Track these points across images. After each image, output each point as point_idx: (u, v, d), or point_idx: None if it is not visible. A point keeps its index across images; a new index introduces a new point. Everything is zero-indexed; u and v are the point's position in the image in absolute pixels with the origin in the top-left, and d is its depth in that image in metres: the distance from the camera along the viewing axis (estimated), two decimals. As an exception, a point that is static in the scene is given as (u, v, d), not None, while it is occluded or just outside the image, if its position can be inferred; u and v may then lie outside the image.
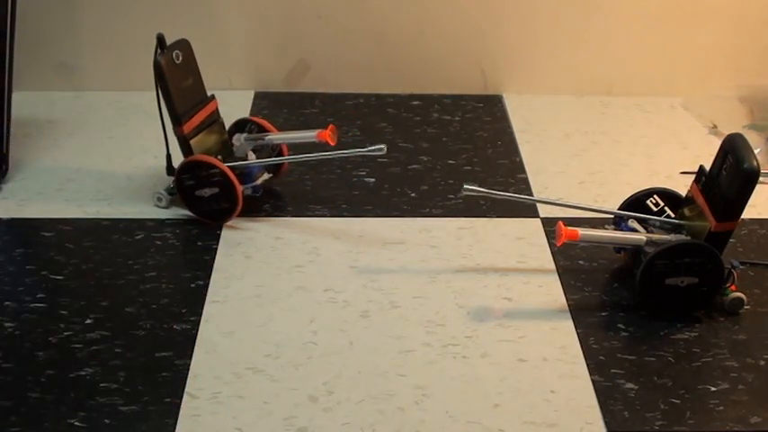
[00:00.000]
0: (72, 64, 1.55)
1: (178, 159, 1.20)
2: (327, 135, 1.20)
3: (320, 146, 1.23)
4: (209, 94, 1.23)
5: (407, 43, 1.56)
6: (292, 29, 1.55)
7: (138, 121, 1.47)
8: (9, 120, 1.29)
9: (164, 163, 1.22)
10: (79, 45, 1.53)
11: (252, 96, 1.57)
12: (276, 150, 1.26)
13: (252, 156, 1.22)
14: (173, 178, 1.20)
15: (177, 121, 1.17)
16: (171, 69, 1.15)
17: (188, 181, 1.18)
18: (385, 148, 1.14)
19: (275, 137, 1.25)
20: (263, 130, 1.27)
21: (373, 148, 1.14)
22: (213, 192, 1.17)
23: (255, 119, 1.27)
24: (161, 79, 1.15)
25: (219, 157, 1.21)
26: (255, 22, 1.54)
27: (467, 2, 1.53)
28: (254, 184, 1.21)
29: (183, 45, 1.19)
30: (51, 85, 1.56)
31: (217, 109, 1.24)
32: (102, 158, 1.36)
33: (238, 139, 1.25)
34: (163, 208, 1.23)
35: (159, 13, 1.49)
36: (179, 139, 1.18)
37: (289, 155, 1.27)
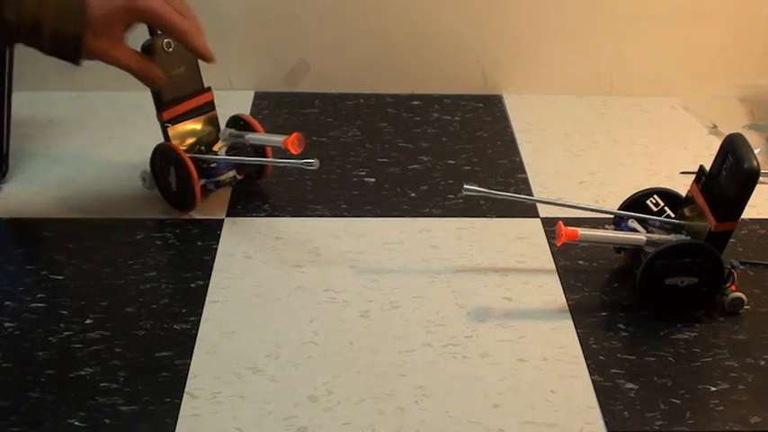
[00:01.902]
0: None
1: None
2: (290, 142, 1.20)
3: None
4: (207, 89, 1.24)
5: (407, 43, 1.56)
6: (292, 29, 1.55)
7: (138, 121, 1.47)
8: (9, 120, 1.29)
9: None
10: (79, 45, 1.53)
11: (252, 96, 1.58)
12: (259, 151, 1.26)
13: (222, 152, 1.24)
14: None
15: (158, 107, 1.19)
16: (159, 56, 1.17)
17: (157, 165, 1.22)
18: (317, 164, 1.14)
19: (250, 137, 1.25)
20: (250, 127, 1.27)
21: (305, 161, 1.14)
22: (175, 178, 1.20)
23: (245, 116, 1.28)
24: None
25: (203, 147, 1.23)
26: (255, 22, 1.54)
27: (467, 2, 1.53)
28: (216, 179, 1.22)
29: None
30: (51, 85, 1.56)
31: (211, 101, 1.25)
32: (102, 158, 1.36)
33: (224, 134, 1.26)
34: (147, 188, 1.25)
35: (159, 13, 1.49)
36: (160, 124, 1.21)
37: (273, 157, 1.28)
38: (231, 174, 1.24)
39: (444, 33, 1.56)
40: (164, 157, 1.21)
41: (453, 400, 0.92)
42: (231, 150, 1.25)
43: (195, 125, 1.23)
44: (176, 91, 1.20)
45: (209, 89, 1.24)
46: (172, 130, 1.21)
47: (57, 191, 1.27)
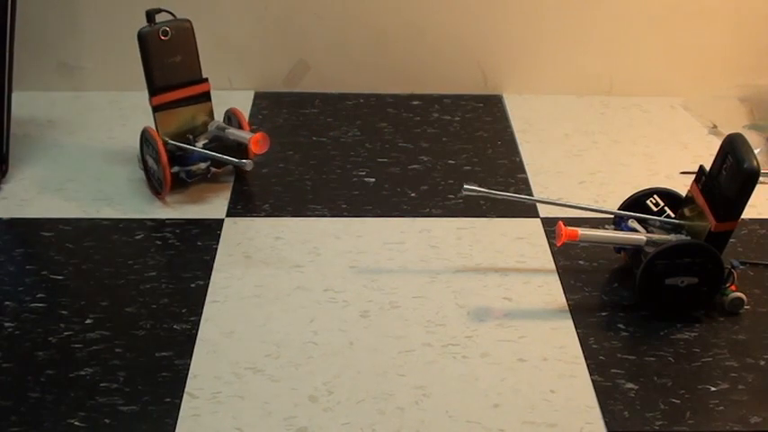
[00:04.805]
0: (72, 64, 1.55)
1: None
2: (253, 141, 1.20)
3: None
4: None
5: (407, 43, 1.56)
6: (292, 29, 1.55)
7: (138, 121, 1.47)
8: (9, 120, 1.29)
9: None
10: (79, 45, 1.53)
11: (252, 96, 1.58)
12: (243, 147, 1.25)
13: (200, 143, 1.25)
14: None
15: (149, 92, 1.21)
16: (154, 43, 1.19)
17: (142, 149, 1.26)
18: (249, 165, 1.15)
19: (229, 131, 1.25)
20: (234, 122, 1.28)
21: (239, 161, 1.16)
22: (153, 162, 1.22)
23: (234, 111, 1.29)
24: (140, 50, 1.19)
25: (191, 136, 1.25)
26: (255, 22, 1.54)
27: (467, 2, 1.53)
28: (187, 168, 1.24)
29: (180, 25, 1.22)
30: (51, 85, 1.56)
31: (207, 92, 1.26)
32: (102, 158, 1.36)
33: (211, 126, 1.27)
34: (141, 170, 1.27)
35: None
36: (151, 109, 1.23)
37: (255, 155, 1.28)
38: (203, 165, 1.25)
39: (444, 33, 1.56)
40: (142, 140, 1.24)
41: (453, 400, 0.92)
42: (213, 143, 1.25)
43: (186, 113, 1.24)
44: (169, 78, 1.21)
45: (205, 80, 1.24)
46: (161, 116, 1.22)
47: (57, 191, 1.27)
